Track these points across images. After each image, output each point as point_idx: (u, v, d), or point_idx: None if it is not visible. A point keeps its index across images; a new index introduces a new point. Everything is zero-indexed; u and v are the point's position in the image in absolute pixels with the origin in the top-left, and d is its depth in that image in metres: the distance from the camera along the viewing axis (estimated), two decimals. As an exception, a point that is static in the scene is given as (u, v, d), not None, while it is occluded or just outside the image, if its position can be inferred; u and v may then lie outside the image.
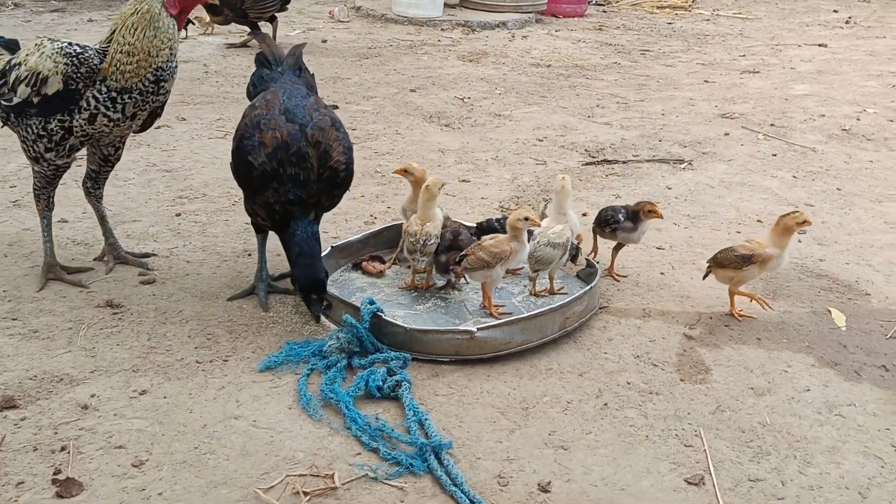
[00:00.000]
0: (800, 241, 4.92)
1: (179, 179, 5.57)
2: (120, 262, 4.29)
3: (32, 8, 11.03)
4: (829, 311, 4.08)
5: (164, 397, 3.26)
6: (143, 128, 4.05)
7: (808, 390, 3.46)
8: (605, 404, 3.31)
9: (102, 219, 4.27)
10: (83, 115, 3.70)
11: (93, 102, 3.67)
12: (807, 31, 12.43)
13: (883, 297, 4.28)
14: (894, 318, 4.06)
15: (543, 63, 9.98)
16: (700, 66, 10.16)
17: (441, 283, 4.10)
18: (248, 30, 9.79)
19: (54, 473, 2.82)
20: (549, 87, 8.79)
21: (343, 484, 2.81)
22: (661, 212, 4.20)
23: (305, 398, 3.20)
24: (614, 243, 4.35)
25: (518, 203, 5.45)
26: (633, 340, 3.78)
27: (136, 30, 3.63)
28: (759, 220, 5.24)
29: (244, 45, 9.88)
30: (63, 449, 2.94)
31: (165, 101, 3.94)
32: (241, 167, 3.68)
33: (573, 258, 4.16)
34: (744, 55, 10.84)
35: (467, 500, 2.72)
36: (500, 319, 3.63)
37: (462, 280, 4.05)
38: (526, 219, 3.79)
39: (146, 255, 4.41)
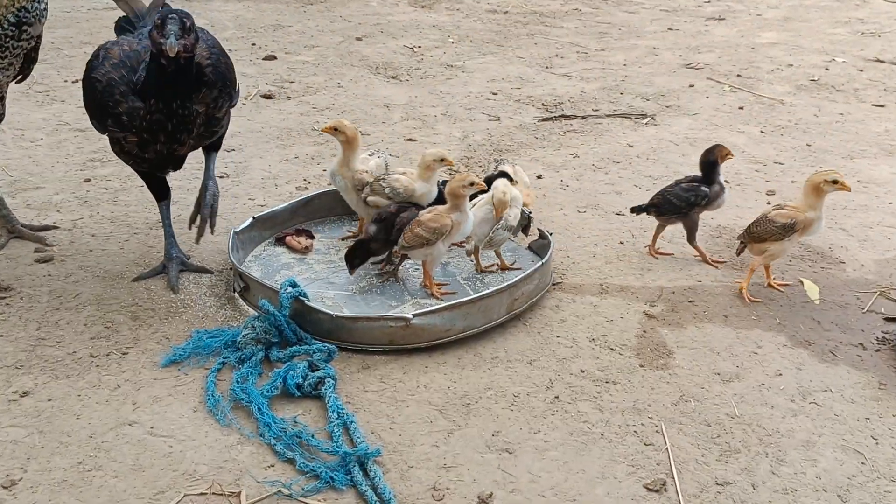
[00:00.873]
0: (768, 204, 4.56)
1: (93, 140, 5.03)
2: (14, 237, 3.80)
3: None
4: (802, 283, 3.74)
5: (49, 400, 2.81)
6: (22, 76, 3.58)
7: (780, 374, 3.12)
8: (557, 397, 2.94)
9: (-9, 188, 3.77)
10: None
11: None
12: (773, -24, 12.00)
13: (858, 264, 3.95)
14: (870, 289, 3.73)
15: (500, 9, 9.45)
16: (664, 12, 9.71)
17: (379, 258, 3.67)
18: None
19: None
20: (506, 36, 8.29)
21: (250, 504, 2.41)
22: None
23: (213, 399, 2.79)
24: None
25: (468, 165, 5.01)
26: (588, 321, 3.40)
27: None
28: (725, 181, 4.86)
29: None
30: (-80, 468, 2.50)
31: (35, 46, 3.45)
32: (89, 91, 3.18)
33: (524, 229, 3.76)
34: (709, 1, 10.40)
35: (395, 521, 2.34)
36: (441, 302, 3.22)
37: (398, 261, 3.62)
38: (471, 184, 3.36)
39: (46, 228, 3.92)
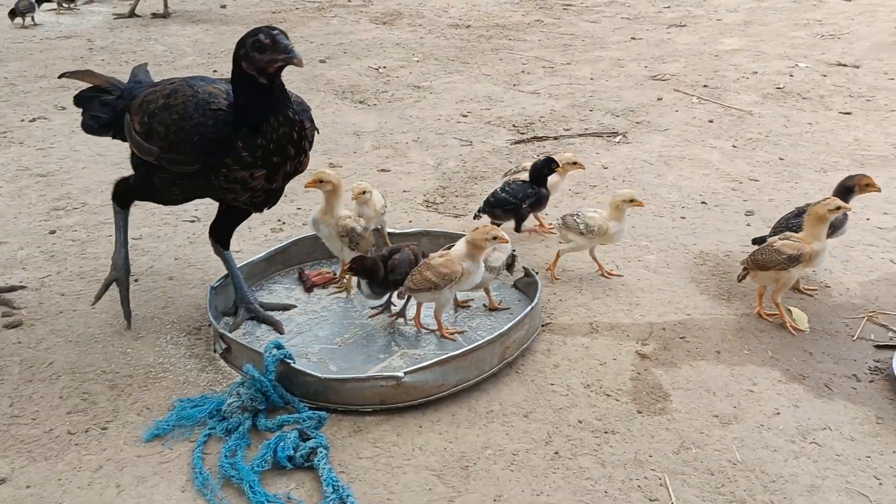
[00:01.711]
0: (748, 225, 4.55)
1: (56, 185, 4.86)
2: (-21, 301, 3.63)
3: None
4: (790, 311, 3.72)
5: (28, 487, 2.67)
6: None
7: (778, 413, 3.09)
8: (556, 453, 2.86)
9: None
10: None
11: None
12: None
13: (844, 288, 3.94)
14: (858, 314, 3.72)
15: (462, 23, 9.39)
16: (625, 20, 9.73)
17: (378, 302, 3.57)
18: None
19: None
20: (471, 52, 8.23)
21: None
22: (877, 184, 3.84)
23: (201, 478, 2.66)
24: None
25: (444, 195, 4.92)
26: (581, 365, 3.33)
27: None
28: (703, 202, 4.85)
29: (132, 14, 8.98)
30: None
31: None
32: (200, 139, 3.05)
33: (509, 267, 3.68)
34: (668, 6, 10.47)
35: None
36: (430, 358, 3.08)
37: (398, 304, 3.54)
38: (494, 237, 3.29)
39: (13, 289, 3.75)
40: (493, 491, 2.69)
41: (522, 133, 6.04)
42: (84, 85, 3.63)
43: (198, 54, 7.97)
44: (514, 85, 7.21)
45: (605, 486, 2.73)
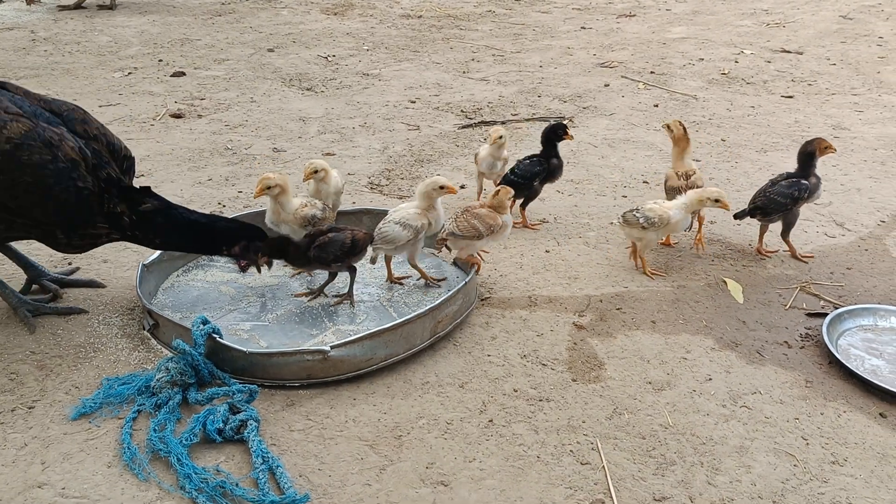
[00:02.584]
0: (689, 202, 4.60)
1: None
2: None
3: None
4: (725, 283, 3.77)
5: (-52, 466, 2.60)
6: None
7: (710, 379, 3.13)
8: (491, 420, 2.87)
9: None
10: None
11: None
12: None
13: (778, 260, 4.01)
14: (791, 285, 3.79)
15: (414, 14, 9.37)
16: (576, 10, 9.80)
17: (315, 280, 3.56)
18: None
19: None
20: (421, 41, 8.22)
21: (174, 565, 2.27)
22: (833, 145, 3.95)
23: (129, 452, 2.62)
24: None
25: (390, 177, 4.91)
26: (518, 336, 3.35)
27: None
28: (644, 182, 4.91)
29: (79, 6, 8.81)
30: None
31: None
32: (65, 195, 3.02)
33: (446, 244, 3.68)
34: (619, -3, 10.55)
35: (328, 572, 2.23)
36: (359, 333, 3.07)
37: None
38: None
39: None
40: (425, 459, 2.69)
41: (470, 118, 6.04)
42: None
43: (143, 45, 7.85)
44: (464, 72, 7.22)
45: (538, 451, 2.74)
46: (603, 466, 2.68)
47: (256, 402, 2.87)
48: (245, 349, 2.90)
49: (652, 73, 7.27)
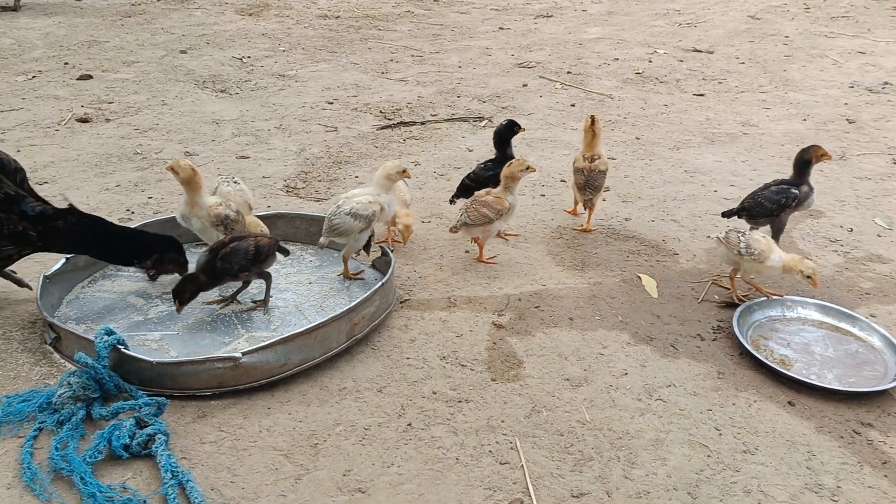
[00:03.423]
0: (604, 200, 4.67)
1: None
2: None
3: None
4: (640, 278, 3.83)
5: None
6: None
7: (626, 374, 3.16)
8: (409, 424, 2.83)
9: None
10: None
11: None
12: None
13: (690, 255, 4.10)
14: (703, 279, 3.87)
15: (332, 14, 9.28)
16: (494, 11, 9.86)
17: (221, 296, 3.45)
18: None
19: None
20: (339, 42, 8.14)
21: (77, 590, 2.16)
22: (829, 153, 3.94)
23: (30, 472, 2.49)
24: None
25: (307, 180, 4.82)
26: (438, 338, 3.32)
27: None
28: (562, 180, 4.95)
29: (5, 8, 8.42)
30: None
31: None
32: None
33: (366, 247, 3.63)
34: (537, -2, 10.66)
35: (241, 588, 2.16)
36: (273, 338, 2.99)
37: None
38: (527, 168, 3.85)
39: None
40: (342, 466, 2.63)
41: (389, 119, 6.00)
42: None
43: (49, 47, 7.54)
44: (383, 73, 7.17)
45: (457, 453, 2.72)
46: (522, 465, 2.68)
47: (166, 414, 2.77)
48: (152, 359, 2.79)
49: (569, 73, 7.36)
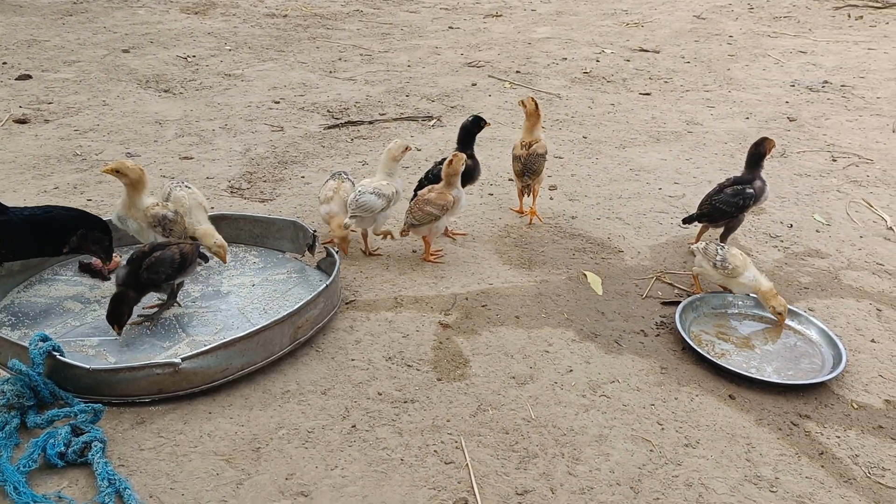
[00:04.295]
0: (551, 199, 4.70)
1: None
2: None
3: None
4: (586, 275, 3.86)
5: None
6: None
7: (571, 371, 3.19)
8: (354, 426, 2.81)
9: None
10: None
11: None
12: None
13: (635, 252, 4.15)
14: (647, 275, 3.92)
15: (279, 13, 9.19)
16: (444, 10, 9.86)
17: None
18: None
19: None
20: (287, 41, 8.06)
21: None
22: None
23: (-42, 485, 2.40)
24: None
25: (252, 181, 4.76)
26: (384, 339, 3.30)
27: None
28: (510, 179, 4.97)
29: None
30: None
31: None
32: None
33: (310, 248, 3.60)
34: (486, -2, 10.69)
35: None
36: (214, 343, 2.93)
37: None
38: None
39: None
40: (284, 470, 2.60)
41: (337, 118, 5.96)
42: None
43: (-15, 45, 7.33)
44: (331, 72, 7.12)
45: (402, 454, 2.71)
46: (467, 464, 2.68)
47: (103, 421, 2.70)
48: (88, 366, 2.72)
49: (518, 72, 7.40)
